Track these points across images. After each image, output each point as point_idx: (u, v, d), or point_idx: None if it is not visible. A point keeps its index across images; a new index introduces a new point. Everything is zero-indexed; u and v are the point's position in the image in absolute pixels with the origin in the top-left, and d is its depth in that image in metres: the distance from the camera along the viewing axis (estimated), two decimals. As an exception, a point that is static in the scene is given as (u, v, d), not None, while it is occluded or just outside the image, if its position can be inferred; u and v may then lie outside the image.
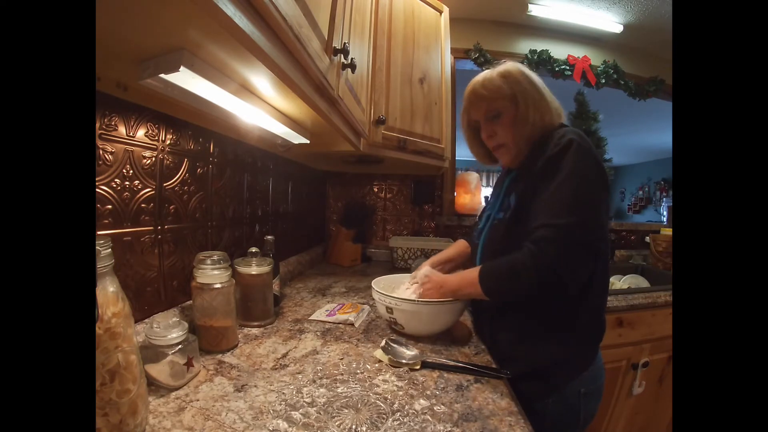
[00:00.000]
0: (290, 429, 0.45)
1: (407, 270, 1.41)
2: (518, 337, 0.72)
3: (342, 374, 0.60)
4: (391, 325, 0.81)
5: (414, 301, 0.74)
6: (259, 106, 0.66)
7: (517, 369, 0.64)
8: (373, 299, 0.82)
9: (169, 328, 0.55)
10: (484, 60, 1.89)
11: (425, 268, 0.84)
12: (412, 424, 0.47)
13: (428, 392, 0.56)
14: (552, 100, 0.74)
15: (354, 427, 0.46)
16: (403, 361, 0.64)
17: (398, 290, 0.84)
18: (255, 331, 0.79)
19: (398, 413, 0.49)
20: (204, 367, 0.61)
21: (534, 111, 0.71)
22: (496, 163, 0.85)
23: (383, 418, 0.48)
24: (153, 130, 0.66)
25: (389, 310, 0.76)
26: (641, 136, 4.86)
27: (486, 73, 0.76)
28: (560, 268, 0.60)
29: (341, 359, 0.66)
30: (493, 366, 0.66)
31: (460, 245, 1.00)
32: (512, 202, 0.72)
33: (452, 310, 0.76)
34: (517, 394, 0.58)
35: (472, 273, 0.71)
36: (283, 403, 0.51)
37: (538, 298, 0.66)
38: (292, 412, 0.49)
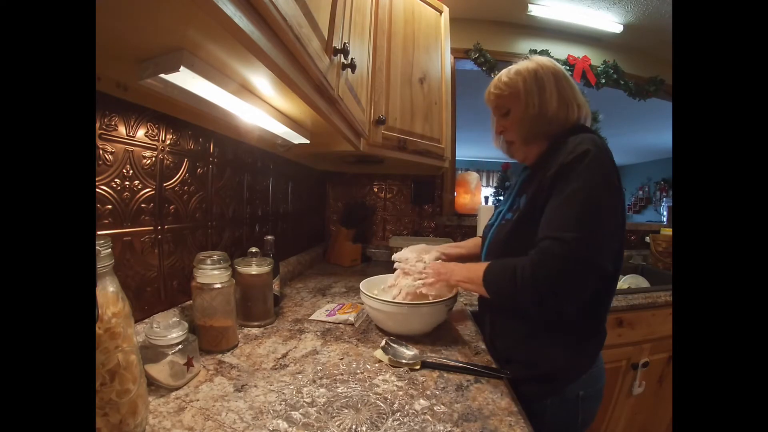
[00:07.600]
0: (290, 429, 0.45)
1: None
2: (518, 339, 0.72)
3: (342, 374, 0.60)
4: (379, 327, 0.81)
5: (388, 302, 0.75)
6: (259, 106, 0.66)
7: (516, 371, 0.64)
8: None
9: (169, 328, 0.55)
10: (484, 60, 1.89)
11: (421, 262, 0.85)
12: (412, 424, 0.47)
13: (428, 392, 0.56)
14: (573, 96, 0.73)
15: (354, 427, 0.46)
16: (403, 361, 0.64)
17: (386, 287, 0.85)
18: (255, 331, 0.79)
19: (398, 413, 0.49)
20: (204, 367, 0.61)
21: (543, 107, 0.71)
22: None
23: (383, 418, 0.48)
24: (153, 130, 0.66)
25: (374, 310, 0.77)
26: (641, 136, 4.86)
27: (502, 72, 0.78)
28: (558, 283, 0.57)
29: (341, 359, 0.66)
30: (493, 366, 0.66)
31: (477, 241, 0.99)
32: (522, 203, 0.71)
33: (430, 313, 0.76)
34: (516, 395, 0.58)
35: (480, 267, 0.69)
36: (283, 403, 0.51)
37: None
38: (292, 412, 0.49)
